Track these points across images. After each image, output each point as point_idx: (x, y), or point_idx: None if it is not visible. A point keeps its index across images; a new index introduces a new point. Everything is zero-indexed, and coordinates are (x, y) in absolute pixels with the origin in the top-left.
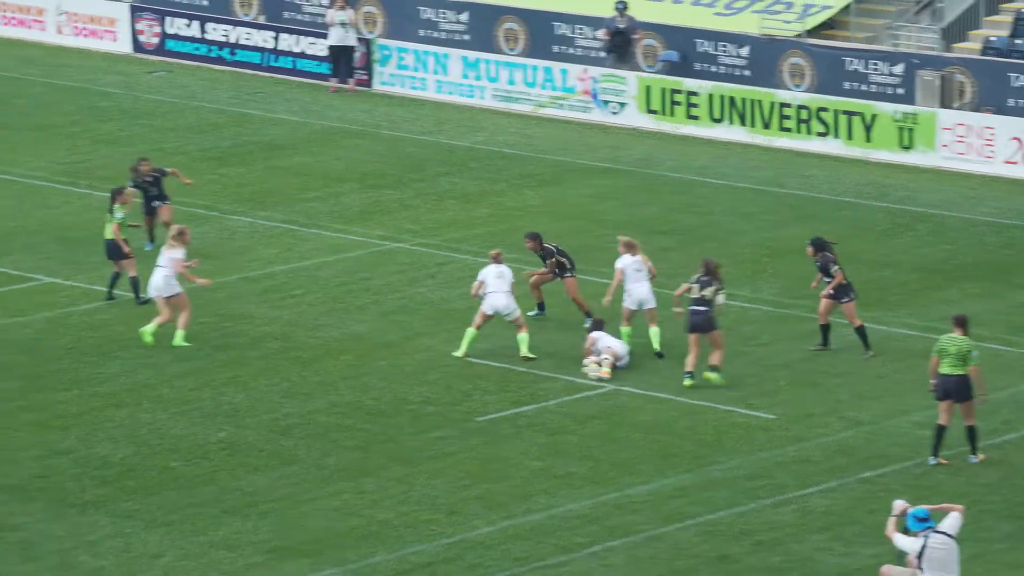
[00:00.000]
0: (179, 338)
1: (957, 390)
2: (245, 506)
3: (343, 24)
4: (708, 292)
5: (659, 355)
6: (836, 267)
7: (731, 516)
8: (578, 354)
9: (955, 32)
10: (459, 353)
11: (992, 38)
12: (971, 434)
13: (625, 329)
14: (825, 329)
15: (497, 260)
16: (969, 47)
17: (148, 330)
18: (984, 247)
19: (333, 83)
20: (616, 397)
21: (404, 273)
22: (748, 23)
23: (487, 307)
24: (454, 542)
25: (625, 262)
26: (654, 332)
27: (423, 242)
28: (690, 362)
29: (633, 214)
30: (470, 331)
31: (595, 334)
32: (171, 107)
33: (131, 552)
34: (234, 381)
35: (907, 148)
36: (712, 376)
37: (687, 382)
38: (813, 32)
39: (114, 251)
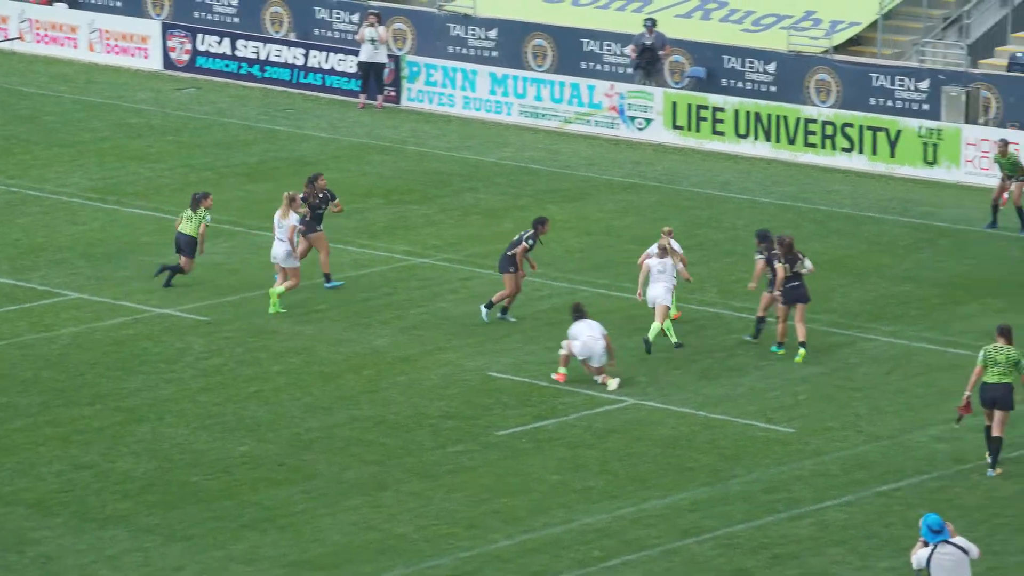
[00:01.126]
0: (275, 298)
1: (1003, 398)
2: (264, 520)
3: (373, 41)
4: (799, 267)
5: (678, 345)
6: (780, 263)
7: (748, 530)
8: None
9: (981, 48)
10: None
11: (1018, 54)
12: (996, 446)
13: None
14: (760, 321)
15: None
16: (995, 63)
17: (276, 291)
18: (1007, 262)
19: (362, 99)
20: (636, 411)
21: (427, 288)
22: (776, 39)
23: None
24: (472, 555)
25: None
26: (667, 325)
27: (447, 257)
28: (781, 332)
29: (655, 229)
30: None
31: (572, 330)
32: (200, 123)
33: (150, 566)
34: (257, 396)
35: (931, 164)
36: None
37: (780, 351)
38: (840, 48)
39: (187, 246)
